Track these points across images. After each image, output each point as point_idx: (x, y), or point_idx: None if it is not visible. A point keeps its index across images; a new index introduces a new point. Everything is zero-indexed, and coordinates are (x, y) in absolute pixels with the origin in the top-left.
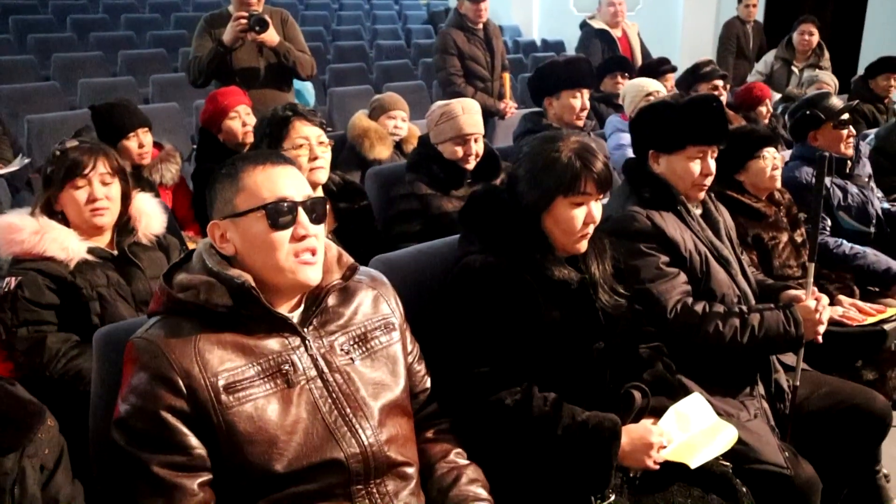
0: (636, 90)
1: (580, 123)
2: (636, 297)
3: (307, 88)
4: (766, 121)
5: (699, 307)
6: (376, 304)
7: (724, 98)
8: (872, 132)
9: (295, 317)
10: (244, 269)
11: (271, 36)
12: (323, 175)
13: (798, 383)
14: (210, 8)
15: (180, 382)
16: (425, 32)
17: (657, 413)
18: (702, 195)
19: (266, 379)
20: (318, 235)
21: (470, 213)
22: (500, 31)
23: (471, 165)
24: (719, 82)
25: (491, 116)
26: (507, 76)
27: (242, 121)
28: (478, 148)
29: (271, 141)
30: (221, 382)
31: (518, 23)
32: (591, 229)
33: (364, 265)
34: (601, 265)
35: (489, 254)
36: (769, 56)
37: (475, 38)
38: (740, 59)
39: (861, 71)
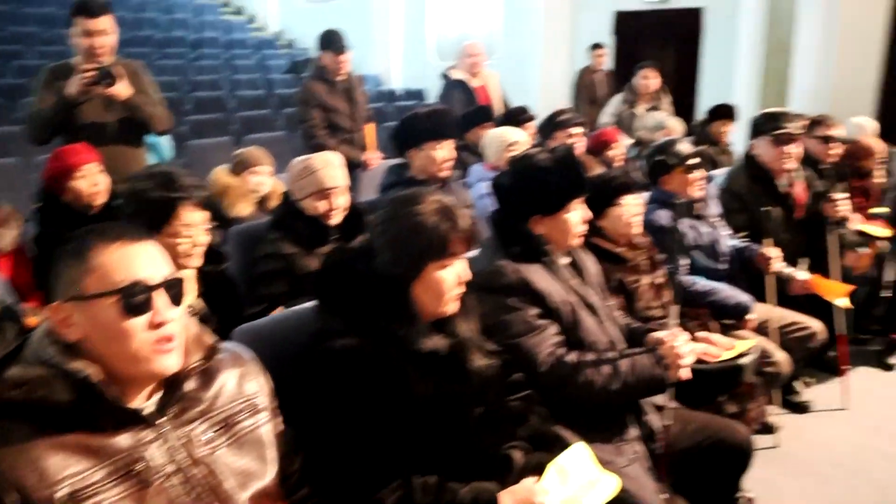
0: (498, 141)
1: (444, 175)
2: (506, 352)
3: (163, 143)
4: (621, 164)
5: (570, 358)
6: (241, 384)
7: (583, 144)
8: (721, 172)
9: (150, 406)
10: (91, 357)
11: (120, 90)
12: (199, 260)
13: (670, 422)
14: (56, 57)
15: (14, 496)
16: (287, 82)
17: (540, 470)
18: (579, 242)
19: (116, 481)
20: (177, 319)
21: (325, 286)
22: (362, 81)
23: (335, 220)
24: (573, 130)
25: (355, 168)
26: (371, 127)
27: (91, 181)
28: (341, 202)
29: (148, 224)
30: (64, 491)
31: (378, 72)
32: (462, 288)
33: (230, 328)
34: (470, 325)
35: (351, 333)
36: (616, 100)
37: (336, 90)
38: (593, 106)
39: (698, 115)
